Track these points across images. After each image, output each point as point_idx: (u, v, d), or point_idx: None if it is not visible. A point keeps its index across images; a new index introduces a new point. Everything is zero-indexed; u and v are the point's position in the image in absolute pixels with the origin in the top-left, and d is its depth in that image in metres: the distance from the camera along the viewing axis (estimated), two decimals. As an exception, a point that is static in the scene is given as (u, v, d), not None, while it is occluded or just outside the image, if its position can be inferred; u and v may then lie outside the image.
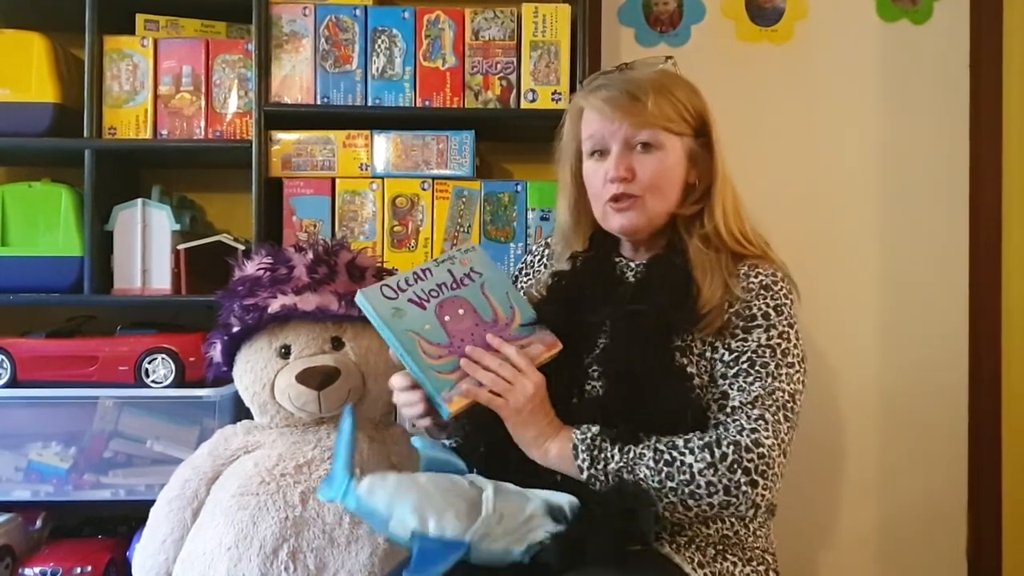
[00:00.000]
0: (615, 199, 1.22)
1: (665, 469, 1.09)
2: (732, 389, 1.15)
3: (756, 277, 1.20)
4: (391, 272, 1.48)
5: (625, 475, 1.09)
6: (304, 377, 1.46)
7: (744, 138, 2.01)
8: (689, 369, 1.16)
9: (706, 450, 1.09)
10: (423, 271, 1.22)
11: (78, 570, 1.64)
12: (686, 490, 1.09)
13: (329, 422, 1.52)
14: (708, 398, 1.17)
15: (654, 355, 1.16)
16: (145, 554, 1.47)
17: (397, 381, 1.22)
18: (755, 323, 1.17)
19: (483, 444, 1.25)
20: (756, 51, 2.07)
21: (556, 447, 1.14)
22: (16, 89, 1.75)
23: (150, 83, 1.80)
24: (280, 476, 1.44)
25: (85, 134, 1.76)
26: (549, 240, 1.44)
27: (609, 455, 1.11)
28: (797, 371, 1.16)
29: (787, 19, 2.08)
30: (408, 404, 1.21)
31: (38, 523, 1.78)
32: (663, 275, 1.22)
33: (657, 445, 1.11)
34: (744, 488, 1.08)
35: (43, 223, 1.78)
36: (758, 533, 1.24)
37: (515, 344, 1.18)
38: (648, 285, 1.23)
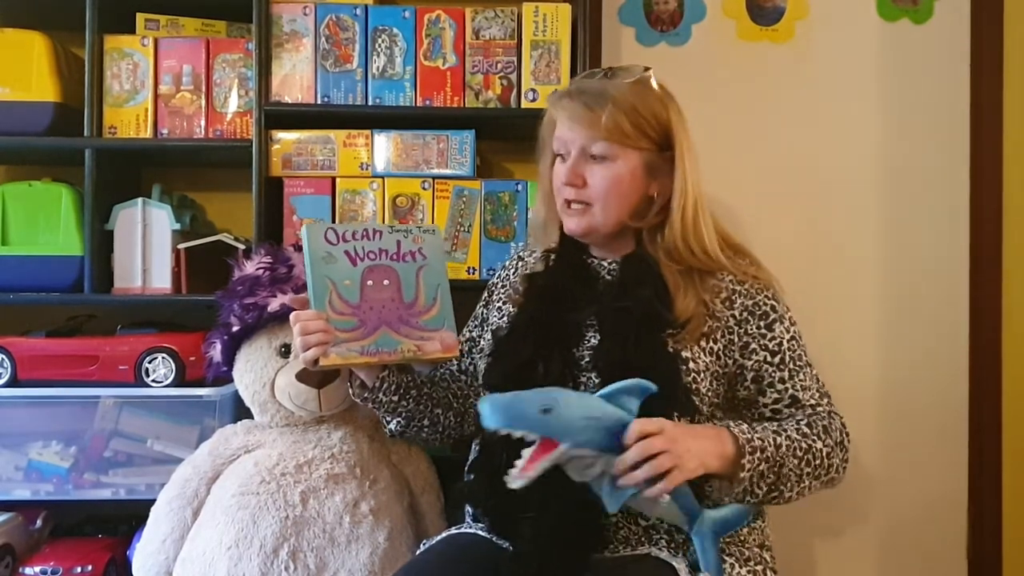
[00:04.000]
0: (567, 203, 1.28)
1: (806, 457, 1.16)
2: (797, 390, 1.25)
3: (741, 273, 1.26)
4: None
5: (779, 471, 1.14)
6: (304, 376, 1.46)
7: (744, 137, 2.01)
8: (684, 354, 1.19)
9: (826, 434, 1.20)
10: (374, 231, 1.26)
11: (78, 569, 1.64)
12: (817, 473, 1.18)
13: (329, 421, 1.53)
14: (712, 385, 1.22)
15: (647, 347, 1.18)
16: (145, 553, 1.47)
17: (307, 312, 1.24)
18: (772, 317, 1.25)
19: (479, 442, 1.26)
20: (757, 50, 2.07)
21: (723, 458, 1.12)
22: (16, 88, 1.74)
23: (150, 82, 1.79)
24: (280, 475, 1.44)
25: (85, 133, 1.76)
26: (522, 253, 1.46)
27: (769, 454, 1.14)
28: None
29: (788, 18, 2.07)
30: (309, 332, 1.21)
31: (38, 522, 1.78)
32: (640, 273, 1.25)
33: (789, 432, 1.18)
34: (845, 464, 1.23)
35: (43, 222, 1.78)
36: (755, 531, 1.24)
37: (418, 334, 1.24)
38: (628, 282, 1.26)
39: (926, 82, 2.07)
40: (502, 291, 1.42)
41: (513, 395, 1.02)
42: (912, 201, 2.08)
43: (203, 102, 1.81)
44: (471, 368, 1.43)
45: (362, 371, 1.29)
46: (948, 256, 2.08)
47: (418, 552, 1.28)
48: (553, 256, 1.34)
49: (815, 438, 1.18)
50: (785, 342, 1.25)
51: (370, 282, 1.24)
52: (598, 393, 1.06)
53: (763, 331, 1.24)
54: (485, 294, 1.47)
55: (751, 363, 1.24)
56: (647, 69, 1.28)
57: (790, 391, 1.24)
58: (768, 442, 1.13)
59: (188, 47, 1.81)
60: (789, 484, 1.15)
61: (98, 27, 1.77)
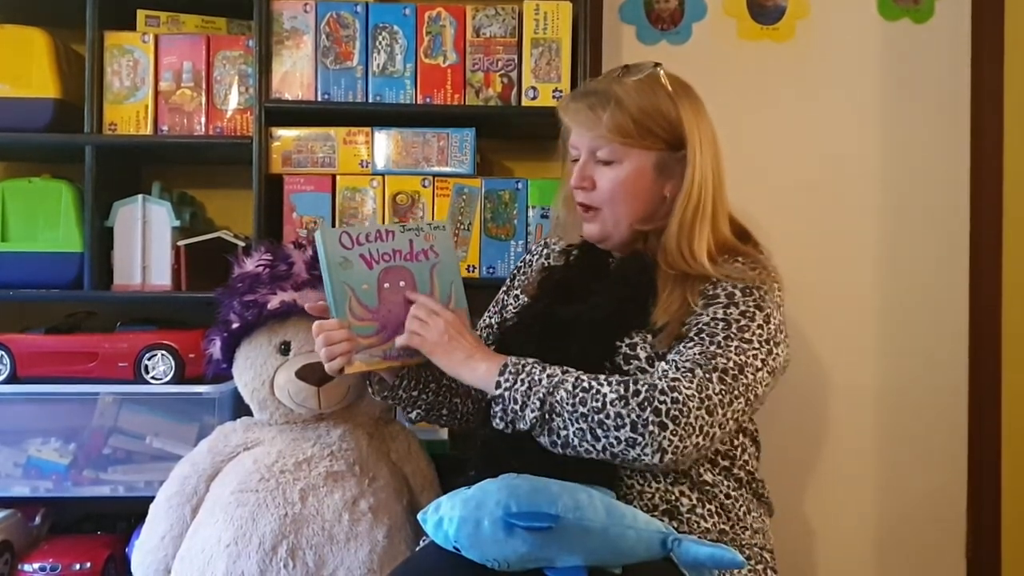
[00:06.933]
0: (583, 207, 1.27)
1: (581, 394, 1.10)
2: (671, 352, 1.16)
3: (733, 264, 1.21)
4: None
5: (546, 397, 1.11)
6: (304, 373, 1.46)
7: (745, 136, 2.01)
8: (642, 354, 1.19)
9: (621, 385, 1.11)
10: (387, 232, 1.25)
11: (77, 566, 1.63)
12: (596, 418, 1.09)
13: (328, 419, 1.52)
14: None
15: (595, 351, 1.19)
16: (144, 550, 1.47)
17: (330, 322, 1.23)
18: (717, 301, 1.18)
19: (481, 438, 1.26)
20: (757, 49, 2.07)
21: (486, 366, 1.17)
22: (17, 85, 1.74)
23: (151, 79, 1.79)
24: (279, 473, 1.44)
25: (86, 130, 1.76)
26: (548, 239, 1.45)
27: (536, 378, 1.13)
28: (755, 348, 1.14)
29: (788, 17, 2.07)
30: (333, 342, 1.21)
31: (37, 519, 1.78)
32: (629, 272, 1.25)
33: (579, 374, 1.13)
34: (652, 428, 1.08)
35: (43, 219, 1.78)
36: (756, 530, 1.24)
37: None
38: (615, 281, 1.25)
39: (927, 81, 2.07)
40: (523, 278, 1.42)
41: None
42: (912, 201, 2.08)
43: (203, 99, 1.81)
44: None
45: (383, 371, 1.30)
46: (948, 255, 2.08)
47: (417, 548, 1.28)
48: (575, 252, 1.33)
49: (606, 384, 1.11)
50: (707, 319, 1.15)
51: (387, 284, 1.23)
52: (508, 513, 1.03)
53: (695, 310, 1.17)
54: (507, 280, 1.47)
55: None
56: (657, 65, 1.25)
57: (665, 351, 1.16)
58: (538, 368, 1.13)
59: (188, 44, 1.81)
60: (563, 420, 1.10)
61: (98, 23, 1.77)
